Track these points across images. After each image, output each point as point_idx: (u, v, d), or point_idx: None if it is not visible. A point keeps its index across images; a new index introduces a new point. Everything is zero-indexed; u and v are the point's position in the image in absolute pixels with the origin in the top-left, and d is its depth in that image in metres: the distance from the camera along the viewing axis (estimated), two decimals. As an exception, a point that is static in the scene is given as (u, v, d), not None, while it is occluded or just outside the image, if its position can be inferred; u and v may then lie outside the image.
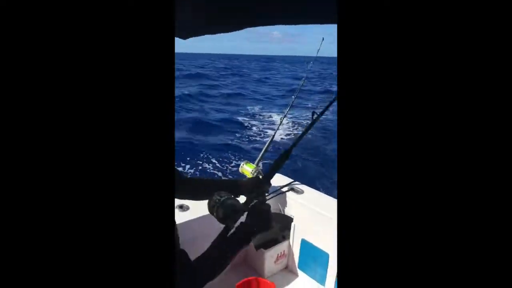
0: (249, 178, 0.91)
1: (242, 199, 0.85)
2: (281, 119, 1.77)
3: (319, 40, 1.69)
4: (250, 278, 1.39)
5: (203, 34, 0.97)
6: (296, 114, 9.71)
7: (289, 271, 1.67)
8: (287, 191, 1.61)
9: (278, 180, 1.66)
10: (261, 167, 1.63)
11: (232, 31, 0.86)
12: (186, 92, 14.00)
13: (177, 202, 1.39)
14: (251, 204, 0.80)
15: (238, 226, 0.73)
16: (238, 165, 1.75)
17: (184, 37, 0.96)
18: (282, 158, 0.90)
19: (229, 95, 15.67)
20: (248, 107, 12.51)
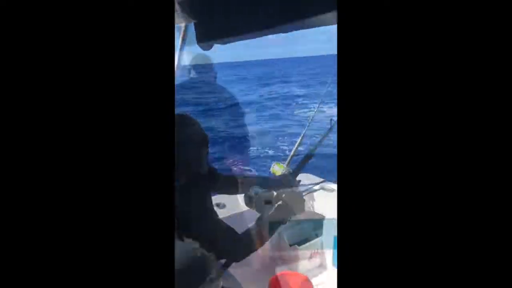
0: (279, 175, 1.02)
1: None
2: (309, 119, 1.74)
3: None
4: (284, 272, 1.45)
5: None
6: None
7: (323, 268, 1.70)
8: (318, 190, 1.65)
9: (309, 179, 1.71)
10: (290, 168, 1.68)
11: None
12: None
13: (214, 200, 1.51)
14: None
15: (256, 221, 0.84)
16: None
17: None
18: (305, 160, 1.01)
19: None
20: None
